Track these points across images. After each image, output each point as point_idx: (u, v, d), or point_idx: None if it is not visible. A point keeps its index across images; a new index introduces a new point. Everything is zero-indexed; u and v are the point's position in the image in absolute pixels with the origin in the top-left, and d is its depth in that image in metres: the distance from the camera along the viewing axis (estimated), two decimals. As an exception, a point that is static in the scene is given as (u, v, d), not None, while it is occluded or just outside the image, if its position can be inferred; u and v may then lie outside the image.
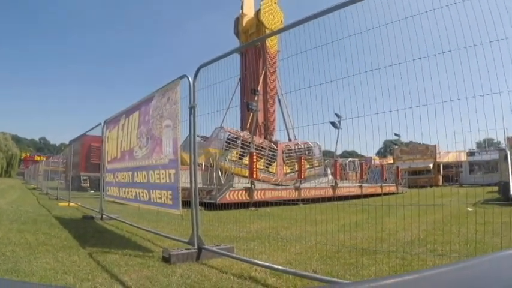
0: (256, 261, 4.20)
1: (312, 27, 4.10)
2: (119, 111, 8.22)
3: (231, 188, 13.62)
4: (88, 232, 6.94)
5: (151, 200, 5.98)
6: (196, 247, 4.86)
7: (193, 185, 5.07)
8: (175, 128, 5.35)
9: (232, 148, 17.18)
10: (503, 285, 0.91)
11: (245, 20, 22.51)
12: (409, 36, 3.55)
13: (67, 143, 25.42)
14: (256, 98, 18.41)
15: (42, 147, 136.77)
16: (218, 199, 12.27)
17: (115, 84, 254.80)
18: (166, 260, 4.63)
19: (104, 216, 8.77)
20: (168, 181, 5.44)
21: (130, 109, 7.23)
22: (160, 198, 5.65)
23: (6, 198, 16.12)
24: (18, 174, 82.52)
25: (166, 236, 5.99)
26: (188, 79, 5.27)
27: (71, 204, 13.10)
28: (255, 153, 15.44)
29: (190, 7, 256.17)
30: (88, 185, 26.07)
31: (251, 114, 18.84)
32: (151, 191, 5.99)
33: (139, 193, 6.51)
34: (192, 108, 5.20)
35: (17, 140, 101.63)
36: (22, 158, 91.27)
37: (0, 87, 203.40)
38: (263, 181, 16.57)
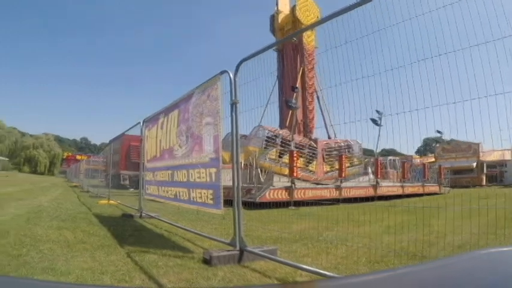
0: (301, 265, 3.94)
1: (351, 18, 3.85)
2: (157, 110, 8.17)
3: (271, 187, 13.43)
4: (127, 230, 6.89)
5: (191, 199, 5.82)
6: (238, 249, 4.66)
7: (236, 184, 4.88)
8: (216, 126, 5.17)
9: (272, 146, 16.96)
10: (476, 284, 0.94)
11: (281, 17, 22.27)
12: (455, 24, 3.25)
13: (107, 142, 25.93)
14: (295, 95, 18.14)
15: (84, 146, 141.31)
16: (258, 198, 12.13)
17: (150, 83, 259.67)
18: (207, 261, 4.45)
19: (143, 214, 8.76)
20: (208, 180, 5.27)
21: (170, 107, 7.11)
22: (201, 197, 5.49)
23: (47, 195, 16.43)
24: (61, 172, 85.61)
25: (206, 236, 5.85)
26: (229, 74, 5.09)
27: (111, 202, 13.25)
28: (295, 151, 15.18)
29: (220, 9, 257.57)
30: (128, 183, 26.50)
31: (290, 111, 18.56)
32: (191, 190, 5.84)
33: (179, 192, 6.38)
34: (233, 105, 5.00)
35: (59, 140, 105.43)
36: (64, 157, 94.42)
37: (45, 88, 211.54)
38: (303, 180, 16.30)
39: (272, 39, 22.24)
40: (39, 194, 16.86)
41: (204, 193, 5.38)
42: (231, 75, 5.06)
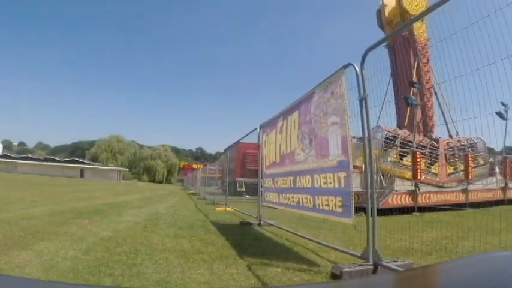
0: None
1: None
2: (272, 116, 7.89)
3: (393, 192, 12.52)
4: (246, 239, 6.61)
5: (317, 207, 5.35)
6: (371, 263, 4.09)
7: (370, 190, 4.31)
8: (344, 125, 4.64)
9: (391, 148, 15.88)
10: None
11: (387, 11, 20.90)
12: None
13: (222, 151, 26.79)
14: (413, 92, 16.83)
15: (199, 156, 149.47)
16: (380, 204, 11.32)
17: (262, 91, 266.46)
18: (336, 277, 3.96)
19: (261, 222, 8.50)
20: (336, 186, 4.76)
21: (288, 110, 6.75)
22: (328, 205, 4.99)
23: (165, 203, 17.03)
24: (178, 181, 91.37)
25: (333, 248, 5.32)
26: (354, 67, 4.56)
27: (228, 209, 13.32)
28: (418, 152, 13.98)
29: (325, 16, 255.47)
30: (244, 190, 26.96)
31: (409, 110, 17.26)
32: (316, 197, 5.37)
33: (302, 199, 5.94)
34: (362, 100, 4.45)
35: (176, 151, 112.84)
36: (181, 166, 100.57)
37: (160, 102, 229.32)
38: (426, 183, 15.01)
39: (381, 34, 21.03)
40: (156, 202, 17.63)
41: (332, 200, 4.88)
42: (357, 68, 4.53)
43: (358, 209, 4.66)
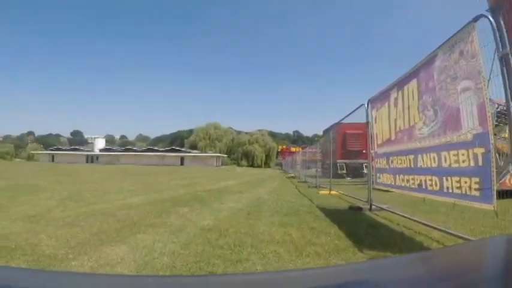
0: None
1: None
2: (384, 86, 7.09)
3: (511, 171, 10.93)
4: (360, 227, 5.92)
5: (445, 190, 4.54)
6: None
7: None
8: (480, 91, 3.80)
9: (504, 123, 13.90)
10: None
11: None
12: None
13: (319, 133, 26.02)
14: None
15: (296, 139, 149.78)
16: (497, 184, 9.91)
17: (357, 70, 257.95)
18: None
19: (373, 206, 7.80)
20: (471, 164, 3.95)
21: (404, 79, 5.89)
22: (460, 187, 4.19)
23: (266, 187, 16.73)
24: (276, 164, 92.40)
25: (459, 236, 4.53)
26: (488, 19, 3.71)
27: (332, 192, 12.63)
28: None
29: None
30: (345, 171, 26.00)
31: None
32: (443, 178, 4.56)
33: (425, 181, 5.13)
34: (503, 58, 3.59)
35: (272, 135, 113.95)
36: (279, 150, 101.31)
37: (256, 88, 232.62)
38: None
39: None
40: (257, 186, 17.36)
41: (465, 182, 4.08)
42: (492, 20, 3.67)
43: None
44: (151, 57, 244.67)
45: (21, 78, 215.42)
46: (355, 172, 24.71)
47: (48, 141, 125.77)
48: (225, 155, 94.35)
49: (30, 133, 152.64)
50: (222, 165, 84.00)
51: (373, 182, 7.92)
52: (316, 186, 16.29)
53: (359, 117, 8.86)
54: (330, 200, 10.58)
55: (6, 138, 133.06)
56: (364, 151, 28.38)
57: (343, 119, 11.50)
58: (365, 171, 30.29)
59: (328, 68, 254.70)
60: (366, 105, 8.20)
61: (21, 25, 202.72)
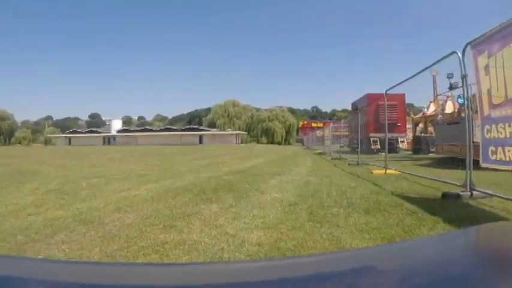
0: None
1: None
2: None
3: None
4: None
5: None
6: None
7: None
8: None
9: None
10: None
11: None
12: None
13: (337, 109, 23.87)
14: None
15: (315, 115, 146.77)
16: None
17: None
18: None
19: (474, 193, 5.71)
20: None
21: None
22: None
23: (301, 166, 14.32)
24: (297, 141, 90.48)
25: None
26: None
27: (389, 171, 10.24)
28: None
29: None
30: (379, 146, 23.82)
31: None
32: None
33: None
34: None
35: (291, 111, 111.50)
36: (299, 126, 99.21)
37: (273, 63, 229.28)
38: None
39: None
40: (291, 165, 14.98)
41: None
42: None
43: None
44: (168, 37, 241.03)
45: (38, 61, 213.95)
46: (390, 147, 22.54)
47: (66, 125, 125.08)
48: (245, 133, 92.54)
49: (49, 117, 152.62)
50: (241, 142, 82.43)
51: (479, 159, 5.70)
52: (358, 164, 14.00)
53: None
54: (399, 183, 8.13)
55: (25, 123, 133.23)
56: (399, 124, 26.25)
57: (403, 81, 9.29)
58: (400, 145, 28.21)
59: (348, 41, 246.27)
60: (461, 54, 5.99)
61: (35, 5, 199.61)
